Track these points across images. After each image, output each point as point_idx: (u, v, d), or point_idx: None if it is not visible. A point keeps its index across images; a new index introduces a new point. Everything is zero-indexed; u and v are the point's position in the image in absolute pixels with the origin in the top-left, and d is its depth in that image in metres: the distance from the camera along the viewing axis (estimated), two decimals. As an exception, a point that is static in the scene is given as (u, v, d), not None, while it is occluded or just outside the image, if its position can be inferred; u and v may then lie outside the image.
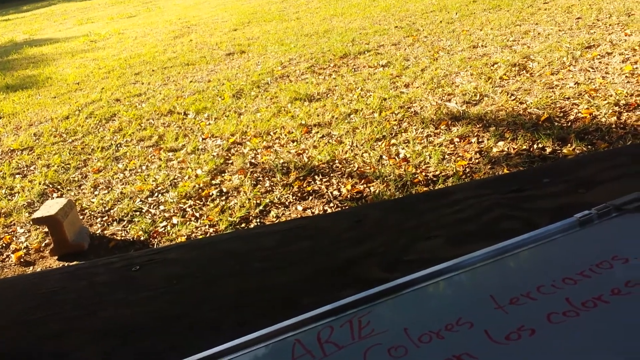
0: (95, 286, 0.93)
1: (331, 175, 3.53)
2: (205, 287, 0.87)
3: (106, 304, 0.87)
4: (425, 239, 0.89)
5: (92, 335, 0.80)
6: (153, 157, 4.26)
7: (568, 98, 3.98)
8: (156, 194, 3.65)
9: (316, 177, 3.53)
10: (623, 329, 0.57)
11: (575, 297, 0.62)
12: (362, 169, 3.52)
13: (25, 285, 1.01)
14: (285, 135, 4.24)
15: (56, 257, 3.13)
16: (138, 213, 3.44)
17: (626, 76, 4.18)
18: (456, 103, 4.29)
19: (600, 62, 4.58)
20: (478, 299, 0.65)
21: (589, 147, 3.28)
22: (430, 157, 3.50)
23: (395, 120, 4.16)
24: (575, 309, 0.60)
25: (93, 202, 3.67)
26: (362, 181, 3.38)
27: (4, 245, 3.34)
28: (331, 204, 3.21)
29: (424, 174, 3.34)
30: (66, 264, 3.04)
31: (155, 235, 3.17)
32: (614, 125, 3.47)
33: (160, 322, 0.80)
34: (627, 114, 3.58)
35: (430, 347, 0.59)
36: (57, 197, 3.82)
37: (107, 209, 3.56)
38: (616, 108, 3.67)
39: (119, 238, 3.24)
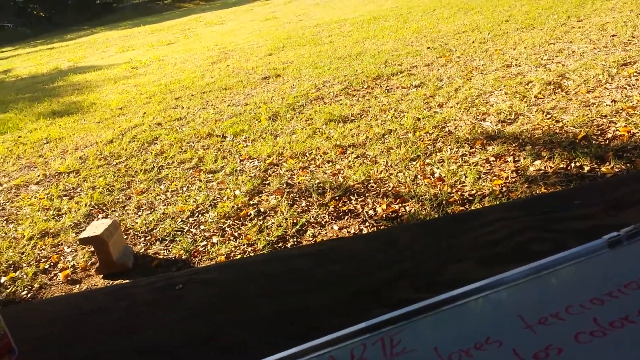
0: (136, 306, 0.99)
1: (366, 195, 3.56)
2: (240, 307, 0.91)
3: (147, 324, 0.92)
4: (456, 261, 0.92)
5: (128, 356, 0.85)
6: (193, 179, 4.37)
7: (605, 116, 3.92)
8: (196, 214, 3.74)
9: (351, 196, 3.57)
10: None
11: (602, 318, 0.64)
12: (397, 189, 3.54)
13: (70, 304, 1.07)
14: (321, 156, 4.30)
15: (101, 276, 3.24)
16: (179, 233, 3.54)
17: (666, 92, 4.10)
18: (491, 122, 4.28)
19: (637, 80, 4.50)
20: (507, 319, 0.68)
21: (628, 165, 3.23)
22: (465, 177, 3.50)
23: (430, 140, 4.18)
24: (602, 329, 0.62)
25: (137, 223, 3.78)
26: (397, 201, 3.40)
27: (52, 264, 3.47)
28: (367, 224, 3.23)
29: (459, 193, 3.34)
30: (111, 282, 3.14)
31: (196, 254, 3.26)
32: (654, 143, 3.41)
33: (198, 342, 0.85)
34: (668, 131, 3.51)
35: (460, 365, 0.62)
36: (102, 217, 3.96)
37: (150, 228, 3.67)
38: (656, 125, 3.60)
39: (161, 257, 3.33)
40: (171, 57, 11.45)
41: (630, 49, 5.35)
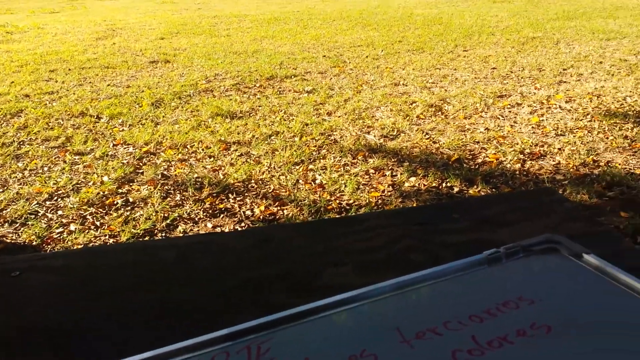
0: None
1: (246, 194, 3.46)
2: (90, 299, 0.78)
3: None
4: (333, 265, 0.86)
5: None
6: (57, 159, 3.99)
7: (478, 142, 4.17)
8: (55, 198, 3.41)
9: (230, 195, 3.45)
10: (524, 370, 0.56)
11: (481, 336, 0.61)
12: (278, 192, 3.48)
13: None
14: (203, 150, 4.13)
15: None
16: (33, 216, 3.19)
17: (532, 127, 4.45)
18: (374, 136, 4.38)
19: (510, 112, 4.85)
20: (384, 331, 0.62)
21: (493, 189, 3.44)
22: (345, 186, 3.52)
23: (315, 146, 4.18)
24: (480, 347, 0.59)
25: (-17, 201, 3.37)
26: (277, 203, 3.34)
27: None
28: (242, 224, 3.13)
29: (338, 201, 3.35)
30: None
31: (49, 241, 2.95)
32: (517, 172, 3.66)
33: (31, 333, 0.72)
34: (531, 162, 3.80)
35: (329, 380, 0.55)
36: (-58, 191, 3.47)
37: (-1, 209, 3.28)
38: (521, 156, 3.88)
39: (8, 241, 2.98)
40: (52, 27, 10.56)
41: (507, 83, 5.77)
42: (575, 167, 3.70)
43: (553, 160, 3.83)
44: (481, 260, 0.75)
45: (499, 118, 4.68)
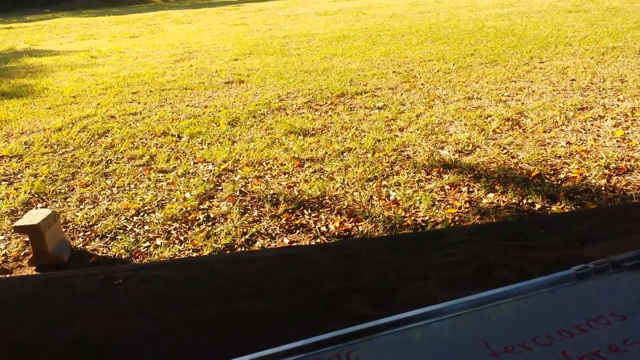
0: (73, 297, 0.90)
1: (320, 210, 3.51)
2: (184, 308, 0.84)
3: (82, 316, 0.84)
4: (417, 279, 0.88)
5: (62, 348, 0.77)
6: (142, 177, 4.22)
7: (559, 157, 4.03)
8: (142, 214, 3.60)
9: (305, 211, 3.51)
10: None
11: (572, 351, 0.60)
12: (352, 208, 3.51)
13: None
14: (278, 167, 4.24)
15: (34, 268, 3.05)
16: (122, 231, 3.39)
17: (617, 140, 4.25)
18: (449, 151, 4.33)
19: (592, 125, 4.66)
20: (472, 344, 0.63)
21: (578, 206, 3.31)
22: (420, 202, 3.50)
23: (388, 162, 4.18)
24: (570, 362, 0.59)
25: (77, 216, 3.61)
26: (351, 219, 3.37)
27: (-20, 251, 3.26)
28: (318, 240, 3.18)
29: (413, 218, 3.34)
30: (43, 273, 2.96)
31: (137, 254, 3.12)
32: (603, 188, 3.51)
33: (138, 339, 0.77)
34: (617, 178, 3.63)
35: (419, 390, 0.57)
36: (42, 207, 3.76)
37: (90, 224, 3.50)
38: (606, 171, 3.71)
39: (99, 254, 3.17)
40: (133, 51, 11.19)
41: (588, 95, 5.55)
42: (665, 182, 3.50)
43: (641, 175, 3.64)
44: (569, 276, 0.74)
45: (580, 131, 4.51)
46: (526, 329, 0.65)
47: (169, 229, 3.37)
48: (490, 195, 3.54)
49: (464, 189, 3.67)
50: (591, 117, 4.81)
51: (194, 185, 3.96)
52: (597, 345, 0.61)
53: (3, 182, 4.27)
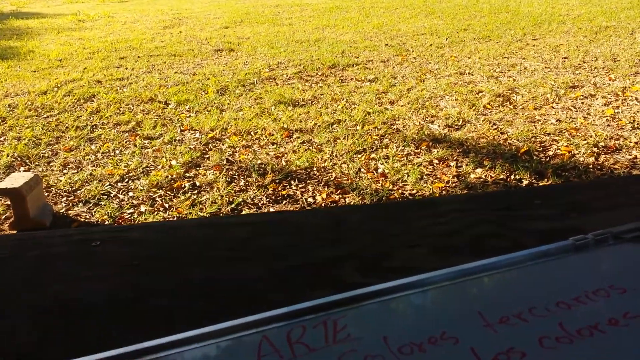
0: (47, 257, 0.86)
1: (307, 182, 3.47)
2: (166, 272, 0.80)
3: (58, 277, 0.80)
4: (408, 247, 0.85)
5: (35, 310, 0.73)
6: (128, 143, 4.14)
7: (548, 134, 4.01)
8: (127, 180, 3.54)
9: (292, 182, 3.47)
10: (618, 361, 0.53)
11: (569, 323, 0.58)
12: (340, 180, 3.47)
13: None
14: (266, 137, 4.18)
15: (15, 232, 2.99)
16: (105, 197, 3.33)
17: (607, 119, 4.24)
18: (438, 125, 4.29)
19: (582, 103, 4.64)
20: (465, 314, 0.60)
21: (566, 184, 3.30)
22: (408, 176, 3.47)
23: (377, 135, 4.14)
24: (569, 335, 0.56)
25: (60, 181, 3.54)
26: (338, 191, 3.34)
27: (-41, 214, 3.19)
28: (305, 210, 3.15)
29: (400, 191, 3.31)
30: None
31: (120, 221, 3.07)
32: (591, 166, 3.50)
33: (113, 303, 0.74)
34: (605, 156, 3.62)
35: (410, 360, 0.54)
36: (24, 170, 3.68)
37: (74, 189, 3.44)
38: (595, 149, 3.70)
39: (82, 219, 3.12)
40: (122, 15, 10.95)
41: (580, 73, 5.52)
42: (654, 161, 3.51)
43: (629, 155, 3.63)
44: (567, 247, 0.71)
45: (571, 109, 4.49)
46: (522, 299, 0.62)
47: (154, 196, 3.31)
48: (479, 170, 3.52)
49: (453, 163, 3.64)
50: (582, 96, 4.78)
51: (180, 152, 3.89)
52: (596, 317, 0.58)
53: (-16, 145, 4.17)
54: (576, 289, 0.63)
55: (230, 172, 3.60)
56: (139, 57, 7.01)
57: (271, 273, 0.78)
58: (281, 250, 0.84)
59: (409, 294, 0.64)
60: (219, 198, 3.25)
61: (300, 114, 4.62)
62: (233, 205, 3.18)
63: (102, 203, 3.25)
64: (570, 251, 0.70)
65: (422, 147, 3.90)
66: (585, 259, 0.69)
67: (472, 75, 5.62)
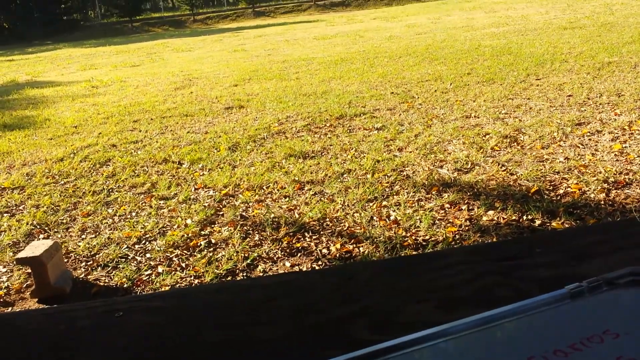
0: (74, 330, 0.91)
1: (321, 233, 3.52)
2: (187, 337, 0.84)
3: (84, 349, 0.85)
4: (416, 302, 0.88)
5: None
6: (144, 204, 4.24)
7: (558, 172, 4.04)
8: (143, 241, 3.61)
9: (306, 234, 3.52)
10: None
11: (567, 370, 0.61)
12: (353, 229, 3.51)
13: (1, 323, 0.98)
14: (278, 190, 4.25)
15: (36, 300, 3.05)
16: (123, 260, 3.39)
17: (615, 154, 4.27)
18: (448, 170, 4.34)
19: (590, 140, 4.68)
20: (468, 367, 0.64)
21: (578, 221, 3.31)
22: (420, 222, 3.51)
23: (388, 182, 4.19)
24: (566, 382, 0.59)
25: (79, 246, 3.61)
26: (352, 241, 3.37)
27: (-18, 284, 3.26)
28: (319, 262, 3.18)
29: (414, 237, 3.34)
30: (45, 307, 2.96)
31: (139, 283, 3.12)
32: (602, 202, 3.51)
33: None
34: (616, 192, 3.63)
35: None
36: (44, 238, 3.77)
37: (92, 253, 3.51)
38: (605, 185, 3.72)
39: (102, 284, 3.17)
40: (134, 80, 11.31)
41: (585, 110, 5.58)
42: (665, 195, 3.51)
43: (640, 188, 3.64)
44: (564, 295, 0.75)
45: (578, 146, 4.52)
46: (522, 349, 0.66)
47: (171, 256, 3.37)
48: (490, 212, 3.55)
49: (464, 207, 3.67)
50: (589, 132, 4.83)
51: (195, 211, 3.97)
52: (593, 364, 0.62)
53: (5, 214, 4.29)
54: (572, 336, 0.66)
55: (245, 228, 3.66)
56: (152, 119, 7.22)
57: (286, 335, 0.82)
58: (295, 312, 0.88)
59: (415, 349, 0.68)
60: (235, 254, 3.29)
61: (310, 166, 4.71)
62: (249, 261, 3.22)
63: (121, 266, 3.31)
64: (566, 299, 0.74)
65: (433, 192, 3.94)
66: (580, 306, 0.72)
67: (478, 118, 5.71)
